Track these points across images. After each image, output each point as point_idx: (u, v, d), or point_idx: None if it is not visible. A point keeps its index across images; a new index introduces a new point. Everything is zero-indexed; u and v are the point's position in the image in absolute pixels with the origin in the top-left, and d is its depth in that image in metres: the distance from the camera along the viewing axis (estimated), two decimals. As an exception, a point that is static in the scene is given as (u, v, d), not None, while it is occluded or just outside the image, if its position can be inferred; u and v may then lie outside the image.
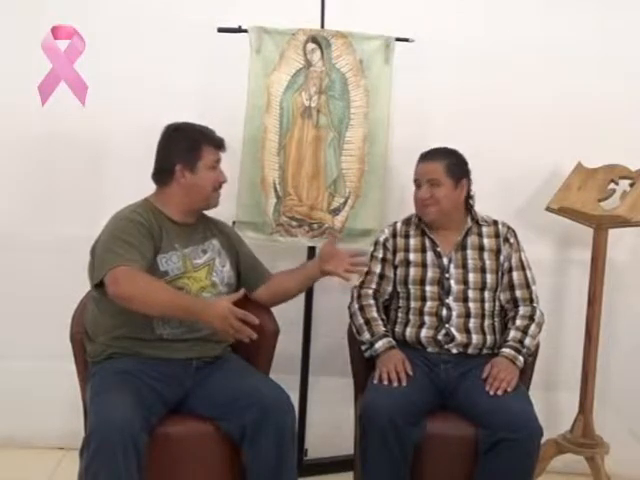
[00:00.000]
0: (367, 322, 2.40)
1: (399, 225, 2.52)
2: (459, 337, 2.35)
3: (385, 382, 2.24)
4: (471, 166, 2.47)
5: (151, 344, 2.15)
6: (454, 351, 2.36)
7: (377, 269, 2.48)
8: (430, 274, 2.41)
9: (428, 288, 2.40)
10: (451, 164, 2.41)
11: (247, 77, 2.67)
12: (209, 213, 2.43)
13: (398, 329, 2.43)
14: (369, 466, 2.18)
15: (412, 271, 2.42)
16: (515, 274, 2.43)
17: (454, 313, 2.37)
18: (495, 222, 2.49)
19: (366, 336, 2.38)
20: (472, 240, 2.45)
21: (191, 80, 2.82)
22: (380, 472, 2.16)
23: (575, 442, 2.70)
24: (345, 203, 2.74)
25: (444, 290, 2.39)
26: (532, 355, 2.39)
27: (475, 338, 2.36)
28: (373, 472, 2.18)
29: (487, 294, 2.40)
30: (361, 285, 2.48)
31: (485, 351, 2.38)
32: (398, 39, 2.70)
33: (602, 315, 2.70)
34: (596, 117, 2.80)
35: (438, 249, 2.43)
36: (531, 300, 2.42)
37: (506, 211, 2.71)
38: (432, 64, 2.78)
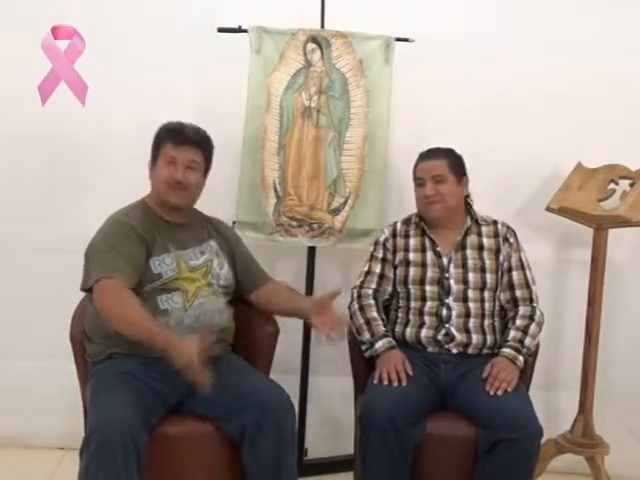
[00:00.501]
0: (367, 322, 2.40)
1: (399, 225, 2.52)
2: (459, 337, 2.35)
3: (385, 382, 2.24)
4: (471, 166, 2.48)
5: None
6: (454, 351, 2.36)
7: (377, 269, 2.48)
8: (430, 274, 2.41)
9: (428, 288, 2.40)
10: (453, 161, 2.43)
11: (247, 77, 2.67)
12: (209, 212, 2.43)
13: (398, 329, 2.43)
14: (369, 466, 2.18)
15: (412, 271, 2.43)
16: (515, 274, 2.43)
17: (454, 313, 2.37)
18: (495, 222, 2.49)
19: (366, 336, 2.38)
20: (472, 240, 2.45)
21: (191, 80, 2.82)
22: (380, 472, 2.16)
23: (575, 442, 2.70)
24: (345, 203, 2.74)
25: (444, 290, 2.39)
26: (532, 355, 2.39)
27: (475, 338, 2.36)
28: (373, 472, 2.18)
29: (487, 294, 2.40)
30: (361, 285, 2.48)
31: (485, 351, 2.38)
32: (398, 39, 2.70)
33: (602, 315, 2.70)
34: (596, 117, 2.80)
35: (438, 249, 2.43)
36: (531, 300, 2.42)
37: (506, 211, 2.72)
38: (432, 64, 2.78)
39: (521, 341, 2.34)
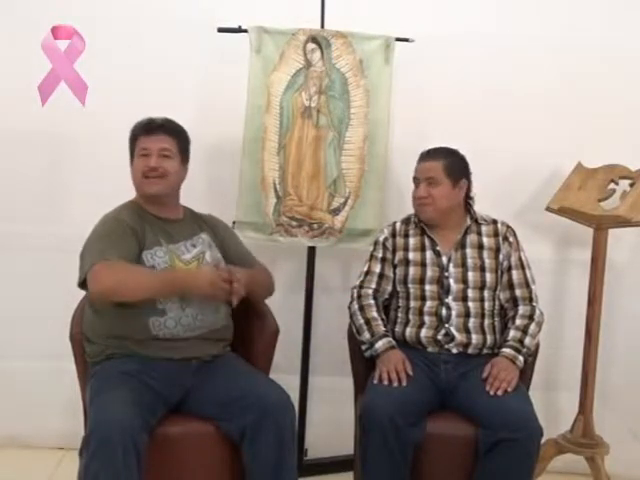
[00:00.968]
0: (367, 322, 2.40)
1: (398, 224, 2.52)
2: (459, 337, 2.35)
3: (385, 382, 2.23)
4: (471, 166, 2.47)
5: (148, 344, 2.15)
6: (454, 351, 2.36)
7: (377, 269, 2.47)
8: (429, 273, 2.41)
9: (427, 287, 2.40)
10: (450, 164, 2.41)
11: (247, 77, 2.67)
12: (210, 212, 2.43)
13: (398, 329, 2.43)
14: (369, 466, 2.18)
15: (411, 270, 2.42)
16: (514, 273, 2.43)
17: (454, 312, 2.37)
18: (494, 221, 2.49)
19: (366, 336, 2.38)
20: (471, 239, 2.45)
21: (191, 80, 2.82)
22: (380, 472, 2.16)
23: (575, 442, 2.70)
24: (345, 203, 2.74)
25: (443, 289, 2.39)
26: (532, 355, 2.39)
27: (475, 338, 2.36)
28: (373, 472, 2.18)
29: (487, 293, 2.40)
30: (361, 285, 2.48)
31: (485, 351, 2.37)
32: (398, 39, 2.70)
33: (602, 315, 2.70)
34: (596, 117, 2.80)
35: (437, 248, 2.43)
36: (530, 299, 2.42)
37: (506, 211, 2.71)
38: (432, 64, 2.78)
39: (521, 341, 2.33)
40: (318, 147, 2.70)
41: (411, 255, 2.45)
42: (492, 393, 2.19)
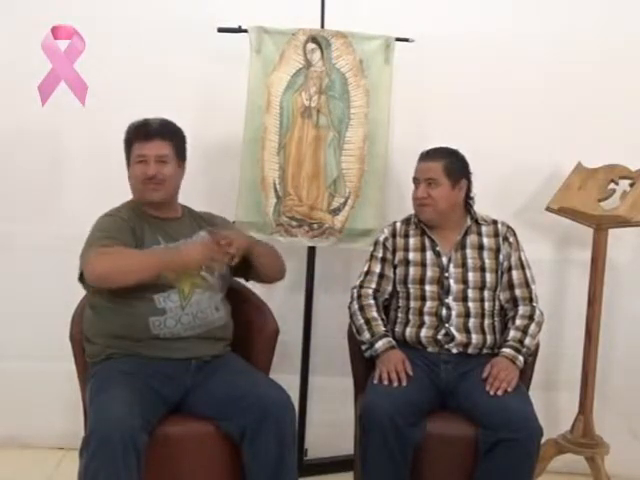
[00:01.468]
0: (367, 322, 2.40)
1: (399, 225, 2.52)
2: (459, 337, 2.35)
3: (385, 382, 2.24)
4: (471, 166, 2.47)
5: (148, 344, 2.15)
6: (454, 351, 2.36)
7: (377, 269, 2.47)
8: (429, 273, 2.41)
9: (428, 287, 2.40)
10: (450, 164, 2.41)
11: (247, 77, 2.67)
12: (204, 210, 2.44)
13: (398, 329, 2.43)
14: (369, 466, 2.18)
15: (412, 270, 2.43)
16: (514, 273, 2.43)
17: (454, 313, 2.37)
18: (494, 221, 2.49)
19: (366, 336, 2.38)
20: (471, 239, 2.45)
21: (191, 80, 2.81)
22: (380, 472, 2.16)
23: (575, 442, 2.70)
24: (345, 203, 2.74)
25: (443, 289, 2.39)
26: (532, 355, 2.39)
27: (475, 338, 2.36)
28: (373, 472, 2.18)
29: (487, 293, 2.40)
30: (361, 285, 2.48)
31: (485, 351, 2.37)
32: (398, 39, 2.70)
33: (602, 315, 2.70)
34: (596, 117, 2.80)
35: (437, 248, 2.43)
36: (530, 299, 2.42)
37: (506, 211, 2.72)
38: (432, 64, 2.78)
39: (521, 341, 2.33)
40: (318, 147, 2.70)
41: (411, 255, 2.45)
42: (492, 393, 2.19)
